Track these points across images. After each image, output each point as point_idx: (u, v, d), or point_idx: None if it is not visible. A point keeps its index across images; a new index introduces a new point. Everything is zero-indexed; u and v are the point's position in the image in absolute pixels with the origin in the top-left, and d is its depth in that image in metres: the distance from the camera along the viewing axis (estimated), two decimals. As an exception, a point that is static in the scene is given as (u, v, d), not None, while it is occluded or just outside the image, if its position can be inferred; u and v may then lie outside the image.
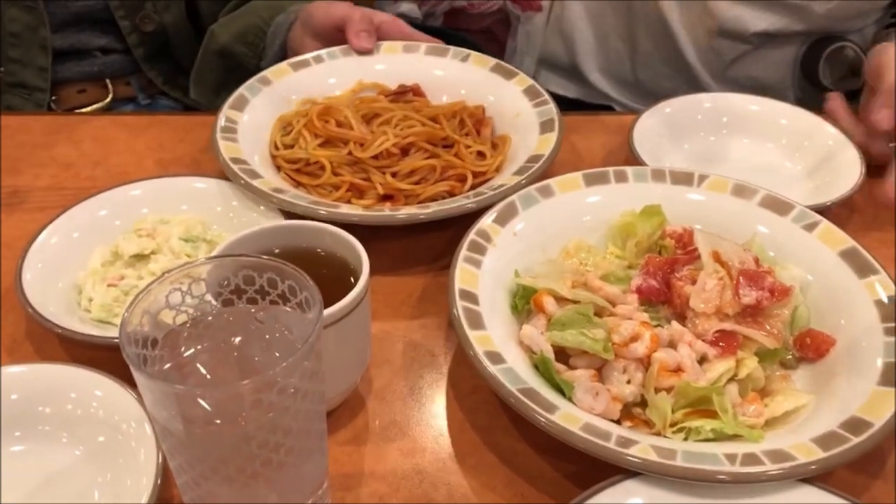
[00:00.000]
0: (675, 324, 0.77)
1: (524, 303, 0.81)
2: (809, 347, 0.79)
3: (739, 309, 0.78)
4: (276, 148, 1.02)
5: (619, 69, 1.42)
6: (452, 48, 1.15)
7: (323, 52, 1.14)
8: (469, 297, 0.78)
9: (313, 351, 0.53)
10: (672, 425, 0.71)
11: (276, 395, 0.52)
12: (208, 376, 0.56)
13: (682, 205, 0.90)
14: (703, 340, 0.76)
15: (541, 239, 0.87)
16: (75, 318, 0.82)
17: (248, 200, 0.93)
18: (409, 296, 0.89)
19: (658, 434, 0.71)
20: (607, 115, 1.26)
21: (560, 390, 0.73)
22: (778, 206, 0.89)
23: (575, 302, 0.78)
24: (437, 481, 0.72)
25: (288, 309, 0.59)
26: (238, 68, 1.23)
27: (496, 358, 0.73)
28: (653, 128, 1.07)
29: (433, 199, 0.96)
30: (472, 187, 0.98)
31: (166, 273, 0.57)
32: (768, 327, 0.78)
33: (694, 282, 0.79)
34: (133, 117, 1.17)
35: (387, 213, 0.92)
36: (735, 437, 0.71)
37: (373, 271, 0.71)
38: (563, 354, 0.76)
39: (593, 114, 1.25)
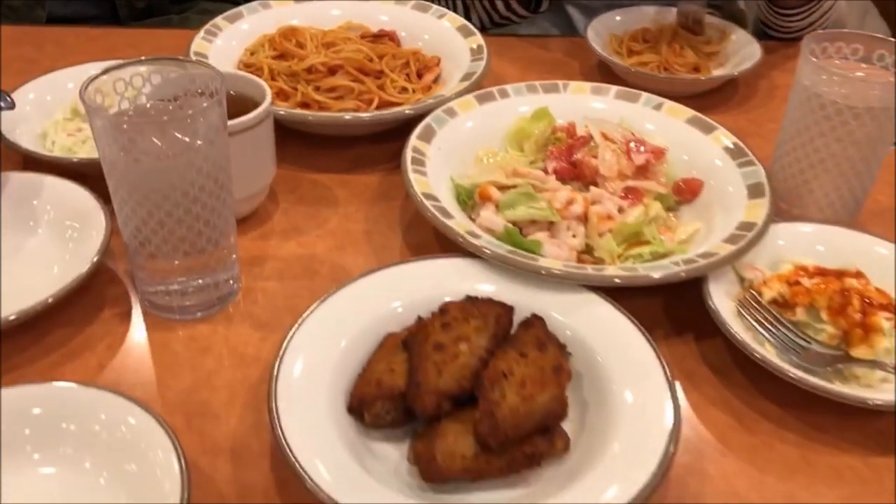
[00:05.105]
0: (593, 189, 0.96)
1: (469, 198, 0.97)
2: (686, 190, 1.00)
3: (634, 169, 0.99)
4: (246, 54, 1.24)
5: None
6: None
7: None
8: (431, 197, 0.93)
9: (221, 106, 0.77)
10: (618, 258, 0.91)
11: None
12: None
13: (556, 107, 1.09)
14: (617, 196, 0.96)
15: (460, 152, 1.03)
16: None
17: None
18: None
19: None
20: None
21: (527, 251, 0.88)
22: (629, 96, 1.12)
23: (512, 187, 0.95)
24: (322, 264, 0.95)
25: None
26: None
27: (475, 235, 0.88)
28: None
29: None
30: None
31: (112, 68, 0.78)
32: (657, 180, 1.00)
33: (595, 157, 0.99)
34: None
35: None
36: (666, 255, 0.90)
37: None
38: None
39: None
